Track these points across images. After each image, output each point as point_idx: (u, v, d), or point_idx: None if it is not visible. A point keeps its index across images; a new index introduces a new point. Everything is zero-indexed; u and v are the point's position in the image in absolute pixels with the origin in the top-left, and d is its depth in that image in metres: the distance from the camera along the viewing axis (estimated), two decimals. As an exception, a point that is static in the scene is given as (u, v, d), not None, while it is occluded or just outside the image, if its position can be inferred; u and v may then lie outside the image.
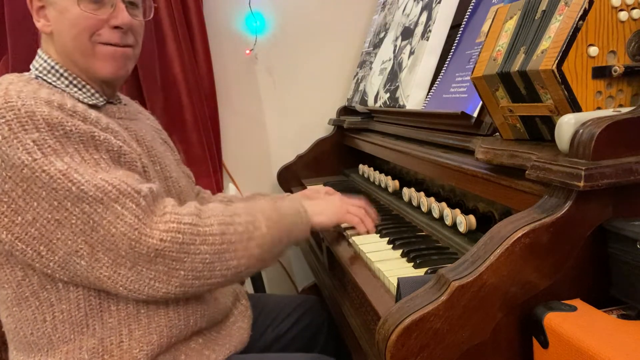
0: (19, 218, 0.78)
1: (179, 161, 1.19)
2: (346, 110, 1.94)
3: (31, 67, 0.94)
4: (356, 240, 1.07)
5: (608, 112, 0.64)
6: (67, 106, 0.82)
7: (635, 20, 0.68)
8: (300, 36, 1.98)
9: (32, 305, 0.85)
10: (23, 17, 1.78)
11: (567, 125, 0.63)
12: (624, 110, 0.64)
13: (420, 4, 1.40)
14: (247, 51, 1.92)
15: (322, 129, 2.00)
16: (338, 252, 1.08)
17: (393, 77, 1.42)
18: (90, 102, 0.92)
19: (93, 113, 0.86)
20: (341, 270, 1.11)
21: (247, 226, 0.88)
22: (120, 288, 0.80)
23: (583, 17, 0.66)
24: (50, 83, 0.91)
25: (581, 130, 0.61)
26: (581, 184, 0.57)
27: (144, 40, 1.59)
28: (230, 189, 1.87)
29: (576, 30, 0.66)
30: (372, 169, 1.59)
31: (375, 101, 1.51)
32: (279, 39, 1.96)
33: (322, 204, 1.08)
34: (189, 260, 0.81)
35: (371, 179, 1.57)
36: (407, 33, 1.43)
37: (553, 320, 0.56)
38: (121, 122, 0.96)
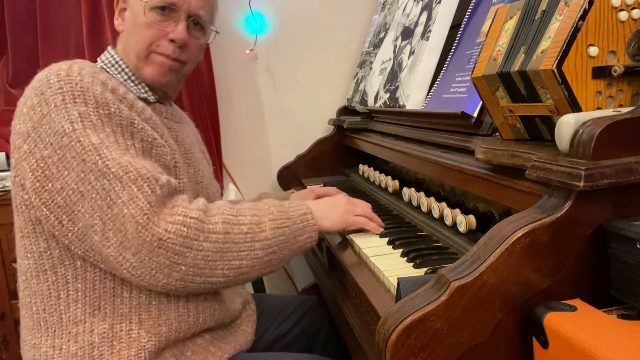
0: (49, 184, 0.82)
1: (212, 174, 1.22)
2: (346, 110, 1.94)
3: (98, 60, 1.02)
4: (356, 240, 1.07)
5: (608, 112, 0.64)
6: (119, 91, 0.89)
7: (635, 20, 0.68)
8: (300, 36, 1.98)
9: (49, 280, 0.87)
10: (23, 17, 1.78)
11: (567, 125, 0.63)
12: (624, 110, 0.64)
13: (420, 4, 1.40)
14: (247, 51, 1.93)
15: (322, 129, 2.00)
16: (338, 252, 1.08)
17: (393, 77, 1.42)
18: (142, 96, 0.99)
19: (140, 104, 0.92)
20: (341, 270, 1.11)
21: (251, 227, 0.88)
22: (124, 271, 0.81)
23: (583, 17, 0.66)
24: (111, 74, 0.97)
25: (581, 130, 0.61)
26: (581, 184, 0.57)
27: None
28: (230, 189, 1.87)
29: (576, 30, 0.66)
30: (372, 169, 1.59)
31: (375, 101, 1.51)
32: (279, 39, 1.96)
33: (329, 207, 1.04)
34: (191, 255, 0.81)
35: (371, 179, 1.57)
36: (407, 33, 1.43)
37: (553, 320, 0.56)
38: (165, 122, 1.01)
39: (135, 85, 1.00)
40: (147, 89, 1.01)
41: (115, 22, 1.03)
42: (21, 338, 0.94)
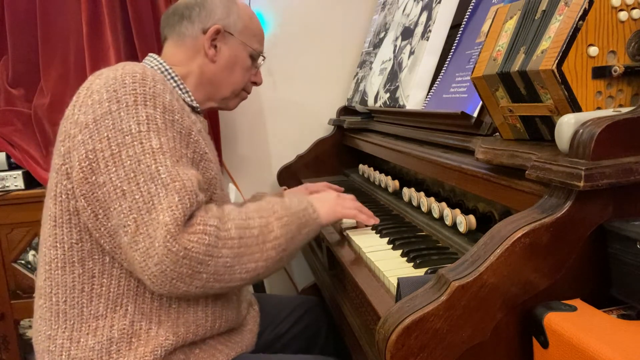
0: (93, 177, 0.83)
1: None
2: (346, 110, 1.94)
3: (144, 63, 1.08)
4: (356, 240, 1.07)
5: (608, 112, 0.64)
6: (180, 102, 0.94)
7: (635, 20, 0.68)
8: (300, 36, 1.98)
9: (75, 272, 0.88)
10: (23, 17, 1.78)
11: (567, 125, 0.63)
12: (624, 110, 0.64)
13: (420, 4, 1.40)
14: (247, 51, 1.92)
15: (322, 129, 2.00)
16: (338, 252, 1.08)
17: (393, 77, 1.42)
18: (192, 105, 1.08)
19: (193, 116, 0.97)
20: (341, 270, 1.11)
21: (261, 229, 0.90)
22: (146, 277, 0.81)
23: (583, 17, 0.66)
24: None
25: (581, 130, 0.61)
26: (581, 183, 0.57)
27: (146, 39, 1.61)
28: (231, 189, 1.87)
29: (576, 30, 0.66)
30: (372, 169, 1.59)
31: (375, 101, 1.51)
32: (279, 39, 1.96)
33: (321, 201, 1.07)
34: (212, 263, 0.82)
35: (371, 179, 1.57)
36: (407, 33, 1.43)
37: (553, 320, 0.56)
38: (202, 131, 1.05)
39: (183, 93, 1.07)
40: (192, 98, 1.08)
41: (210, 52, 1.10)
42: (34, 328, 0.94)
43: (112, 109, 0.84)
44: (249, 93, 1.22)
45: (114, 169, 0.82)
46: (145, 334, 0.89)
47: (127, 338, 0.88)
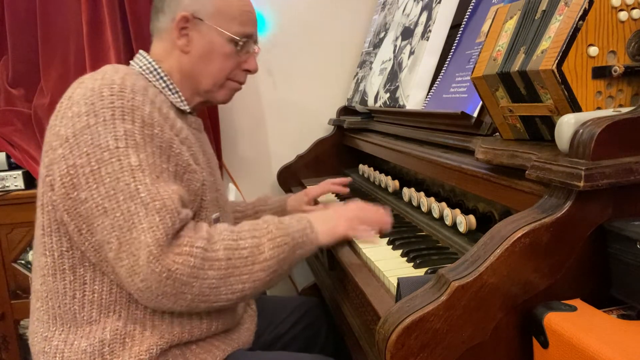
0: (75, 193, 0.83)
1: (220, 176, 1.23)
2: (346, 110, 1.94)
3: (133, 63, 1.03)
4: (356, 240, 1.07)
5: (608, 112, 0.64)
6: (163, 110, 0.90)
7: (635, 20, 0.68)
8: (300, 36, 1.98)
9: (66, 279, 0.88)
10: (23, 17, 1.78)
11: (567, 125, 0.63)
12: (624, 110, 0.64)
13: (420, 4, 1.40)
14: (247, 51, 1.92)
15: (322, 129, 2.00)
16: (338, 252, 1.08)
17: (393, 77, 1.42)
18: (181, 107, 1.02)
19: (179, 123, 0.94)
20: (341, 270, 1.11)
21: (252, 250, 0.88)
22: (133, 291, 0.82)
23: (583, 17, 0.66)
24: (149, 81, 0.98)
25: (581, 130, 0.61)
26: (581, 183, 0.57)
27: (144, 39, 1.60)
28: (231, 189, 1.87)
29: (576, 30, 0.66)
30: (372, 169, 1.59)
31: (375, 101, 1.51)
32: (279, 39, 1.96)
33: (330, 220, 1.02)
34: (197, 285, 0.82)
35: (371, 179, 1.57)
36: (407, 33, 1.43)
37: (553, 320, 0.56)
38: (194, 132, 1.03)
39: (172, 94, 1.01)
40: (182, 98, 1.03)
41: (179, 42, 1.02)
42: (31, 329, 0.94)
43: (90, 123, 0.83)
44: (241, 83, 1.09)
45: (94, 185, 0.81)
46: (139, 335, 0.89)
47: (121, 339, 0.88)
